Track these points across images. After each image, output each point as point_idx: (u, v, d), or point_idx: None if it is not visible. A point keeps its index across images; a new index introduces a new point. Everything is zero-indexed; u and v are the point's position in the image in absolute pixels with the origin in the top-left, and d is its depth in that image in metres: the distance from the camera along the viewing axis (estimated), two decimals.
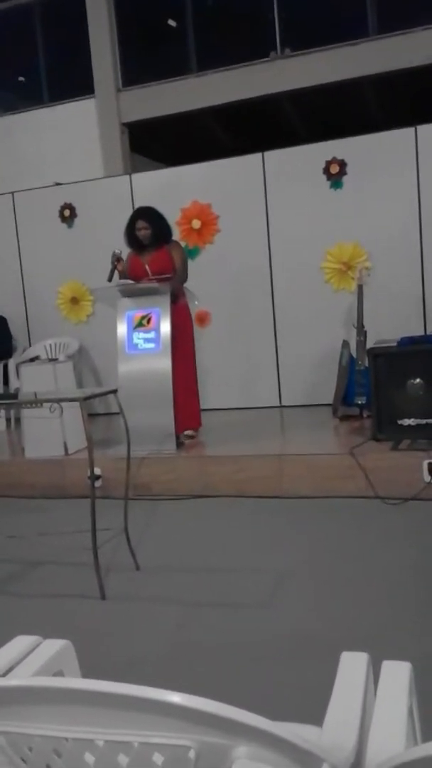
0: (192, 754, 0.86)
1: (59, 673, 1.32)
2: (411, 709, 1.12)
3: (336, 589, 2.99)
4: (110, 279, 4.94)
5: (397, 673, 1.18)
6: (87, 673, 1.41)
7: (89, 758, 0.91)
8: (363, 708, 1.07)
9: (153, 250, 4.92)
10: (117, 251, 4.92)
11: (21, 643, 1.35)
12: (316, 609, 2.83)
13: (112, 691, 0.86)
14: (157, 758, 0.88)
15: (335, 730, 1.01)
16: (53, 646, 1.35)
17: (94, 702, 0.87)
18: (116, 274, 4.97)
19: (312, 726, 1.18)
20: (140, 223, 4.91)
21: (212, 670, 2.40)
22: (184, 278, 4.96)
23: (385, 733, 1.01)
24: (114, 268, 4.91)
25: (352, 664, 1.22)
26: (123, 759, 0.90)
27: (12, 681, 0.96)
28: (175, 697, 0.84)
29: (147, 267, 4.87)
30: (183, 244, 5.51)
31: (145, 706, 0.85)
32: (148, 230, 4.89)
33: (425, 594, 2.87)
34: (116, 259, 4.90)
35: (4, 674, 1.24)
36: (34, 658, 1.29)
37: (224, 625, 2.76)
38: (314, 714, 1.17)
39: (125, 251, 5.04)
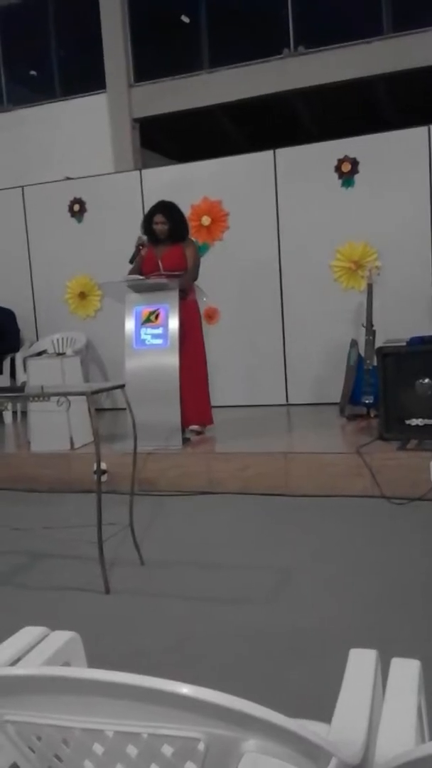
0: (201, 746, 0.86)
1: (66, 665, 1.32)
2: (420, 707, 1.11)
3: (342, 588, 2.99)
4: (132, 261, 4.97)
5: (407, 671, 1.18)
6: (92, 665, 1.41)
7: (98, 749, 0.91)
8: (372, 705, 1.07)
9: (168, 246, 4.92)
10: (143, 237, 4.92)
11: (28, 634, 1.35)
12: (322, 606, 2.82)
13: (122, 681, 0.85)
14: (167, 750, 0.88)
15: (344, 726, 1.00)
16: (61, 637, 1.35)
17: (103, 692, 0.87)
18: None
19: (319, 722, 1.17)
20: (158, 217, 4.91)
21: (217, 666, 2.40)
22: (195, 277, 4.96)
23: (394, 730, 1.00)
24: (138, 251, 4.92)
25: (361, 661, 1.21)
26: (132, 750, 0.89)
27: (21, 670, 0.96)
28: (185, 689, 0.84)
29: (159, 262, 4.87)
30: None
31: (155, 698, 0.85)
32: (165, 225, 4.89)
33: (431, 593, 2.87)
34: (140, 243, 4.90)
35: (12, 664, 1.24)
36: (42, 649, 1.29)
37: (229, 620, 2.75)
38: (322, 711, 1.16)
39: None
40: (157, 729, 0.87)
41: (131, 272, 4.98)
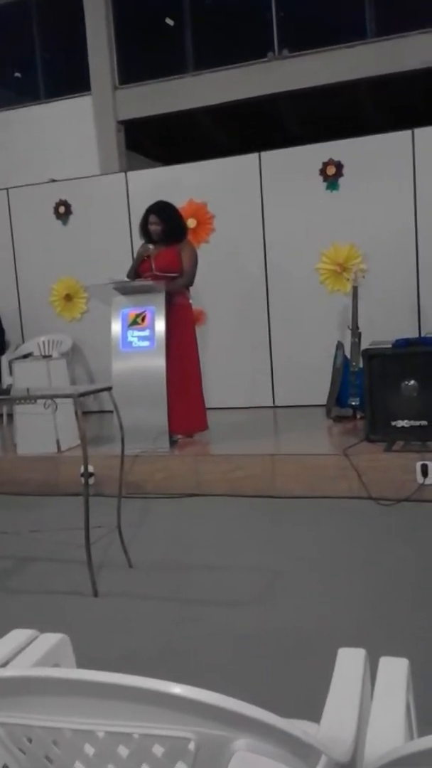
0: (192, 745, 0.86)
1: (56, 667, 1.32)
2: (408, 705, 1.12)
3: (330, 588, 3.00)
4: (129, 273, 5.02)
5: (395, 669, 1.19)
6: (81, 667, 1.40)
7: (89, 749, 0.91)
8: (361, 703, 1.08)
9: (163, 247, 4.90)
10: (149, 247, 4.91)
11: (18, 636, 1.34)
12: (310, 607, 2.83)
13: (113, 682, 0.86)
14: (157, 750, 0.88)
15: (333, 725, 1.01)
16: (50, 639, 1.34)
17: (94, 693, 0.87)
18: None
19: (308, 722, 1.18)
20: (152, 218, 4.89)
21: (206, 667, 2.40)
22: (190, 281, 4.93)
23: (383, 728, 1.01)
24: (140, 262, 4.93)
25: (350, 660, 1.22)
26: (123, 750, 0.90)
27: (12, 671, 0.96)
28: (176, 689, 0.84)
29: (152, 262, 4.85)
30: None
31: (147, 698, 0.85)
32: (159, 226, 4.87)
33: (418, 593, 2.89)
34: (147, 254, 4.89)
35: (2, 667, 1.23)
36: (32, 651, 1.29)
37: (218, 622, 2.76)
38: (311, 711, 1.17)
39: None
40: (147, 729, 0.87)
41: (130, 271, 5.00)
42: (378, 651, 1.30)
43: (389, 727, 1.02)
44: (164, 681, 0.85)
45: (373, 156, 5.95)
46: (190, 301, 5.11)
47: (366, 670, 1.21)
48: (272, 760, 0.88)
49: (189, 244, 5.04)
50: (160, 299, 4.75)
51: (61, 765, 0.94)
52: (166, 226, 4.87)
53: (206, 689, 0.85)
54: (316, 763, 0.90)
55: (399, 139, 5.91)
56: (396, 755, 0.85)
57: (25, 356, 6.16)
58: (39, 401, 3.44)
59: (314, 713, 1.10)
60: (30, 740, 0.94)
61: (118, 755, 0.90)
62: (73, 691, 0.89)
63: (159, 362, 4.74)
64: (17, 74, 10.48)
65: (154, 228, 4.87)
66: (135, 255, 5.21)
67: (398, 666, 1.20)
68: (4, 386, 6.49)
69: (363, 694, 1.12)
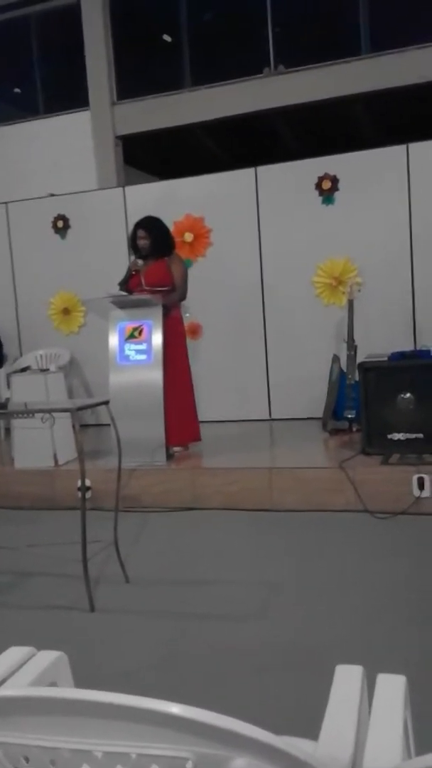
0: (190, 765, 0.86)
1: (53, 685, 1.31)
2: (406, 722, 1.12)
3: (327, 602, 2.99)
4: (120, 283, 5.01)
5: (393, 686, 1.19)
6: (78, 685, 1.40)
7: None
8: (358, 721, 1.08)
9: (152, 261, 4.93)
10: (138, 262, 4.93)
11: (15, 654, 1.34)
12: (307, 622, 2.82)
13: (110, 701, 0.86)
14: None
15: (331, 743, 1.01)
16: (47, 657, 1.34)
17: (92, 713, 0.87)
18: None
19: (306, 740, 1.18)
20: (140, 233, 4.93)
21: (203, 683, 2.39)
22: (183, 295, 4.95)
23: (380, 746, 1.01)
24: (129, 275, 4.94)
25: (347, 677, 1.22)
26: None
27: (9, 691, 0.96)
28: (174, 708, 0.84)
29: (142, 278, 4.88)
30: None
31: (144, 717, 0.85)
32: (147, 240, 4.90)
33: (415, 608, 2.88)
34: (135, 269, 4.91)
35: None
36: (29, 669, 1.29)
37: (215, 637, 2.75)
38: (308, 728, 1.17)
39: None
40: (145, 749, 0.87)
41: (120, 286, 5.01)
42: (375, 667, 1.30)
43: (387, 745, 1.02)
44: (162, 701, 0.85)
45: (369, 170, 6.00)
46: (187, 315, 5.12)
47: (363, 687, 1.21)
48: None
49: (177, 257, 5.07)
50: (157, 313, 4.77)
51: None
52: (154, 240, 4.90)
53: (204, 707, 0.85)
54: None
55: (394, 153, 5.96)
56: None
57: (23, 370, 6.17)
58: (36, 415, 3.44)
59: (312, 731, 1.10)
60: (27, 760, 0.93)
61: None
62: (70, 711, 0.89)
63: (156, 375, 4.75)
64: (16, 89, 10.55)
65: (142, 242, 4.91)
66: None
67: (396, 683, 1.20)
68: (2, 400, 6.49)
69: (360, 711, 1.12)
